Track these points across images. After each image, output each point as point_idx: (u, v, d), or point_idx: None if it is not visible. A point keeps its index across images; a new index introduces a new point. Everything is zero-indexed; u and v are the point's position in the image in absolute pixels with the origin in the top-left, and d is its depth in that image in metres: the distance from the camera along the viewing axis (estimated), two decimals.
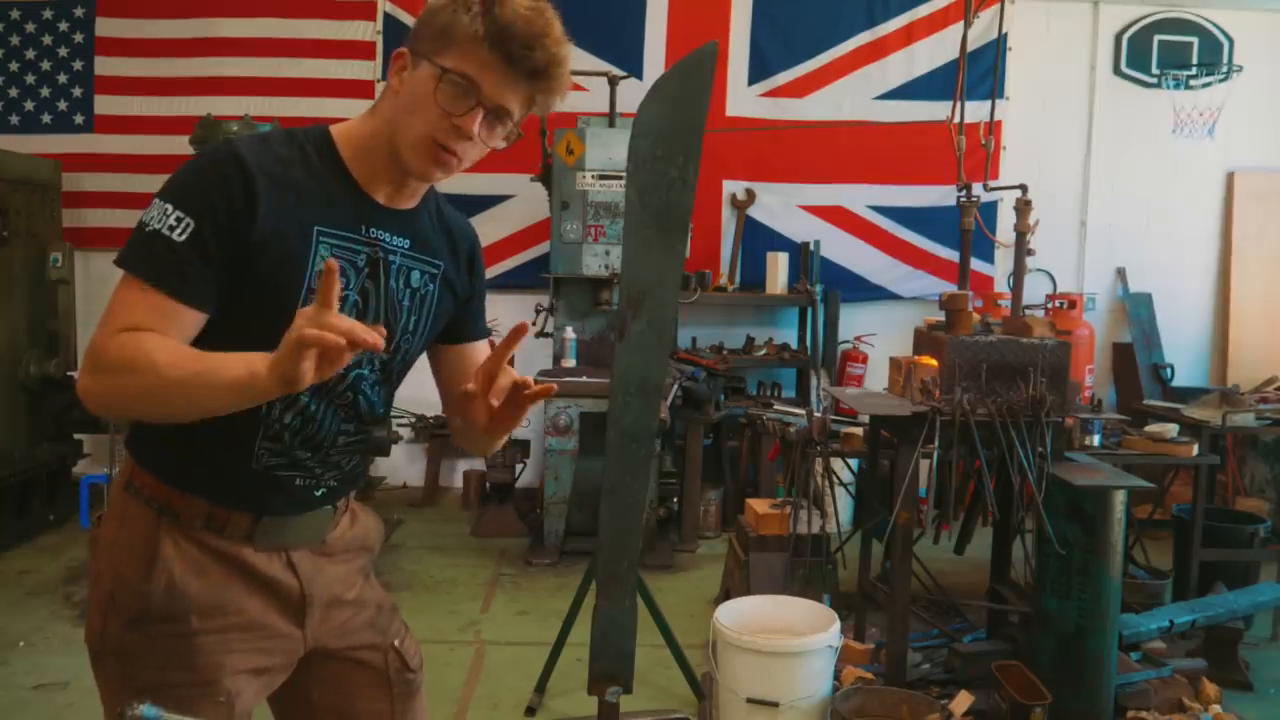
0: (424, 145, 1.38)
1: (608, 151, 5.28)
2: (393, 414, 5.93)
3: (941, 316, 3.77)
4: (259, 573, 1.48)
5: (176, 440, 1.42)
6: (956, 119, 5.81)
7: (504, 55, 1.35)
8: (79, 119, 6.21)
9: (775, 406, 5.22)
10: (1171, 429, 4.28)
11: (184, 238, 1.29)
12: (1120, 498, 3.20)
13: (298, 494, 1.50)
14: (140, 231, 1.31)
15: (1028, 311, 5.42)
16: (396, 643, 1.67)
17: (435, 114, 1.36)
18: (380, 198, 1.47)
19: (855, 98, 6.38)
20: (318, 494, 1.53)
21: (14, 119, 6.19)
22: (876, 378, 6.06)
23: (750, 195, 6.40)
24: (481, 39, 1.33)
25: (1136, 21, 6.49)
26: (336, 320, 1.17)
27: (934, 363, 3.52)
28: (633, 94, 5.39)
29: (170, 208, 1.30)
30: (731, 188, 6.41)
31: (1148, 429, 4.35)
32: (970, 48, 6.12)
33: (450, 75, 1.35)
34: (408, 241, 1.50)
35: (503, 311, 6.21)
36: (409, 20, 6.16)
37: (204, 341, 1.33)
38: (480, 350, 1.73)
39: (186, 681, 1.42)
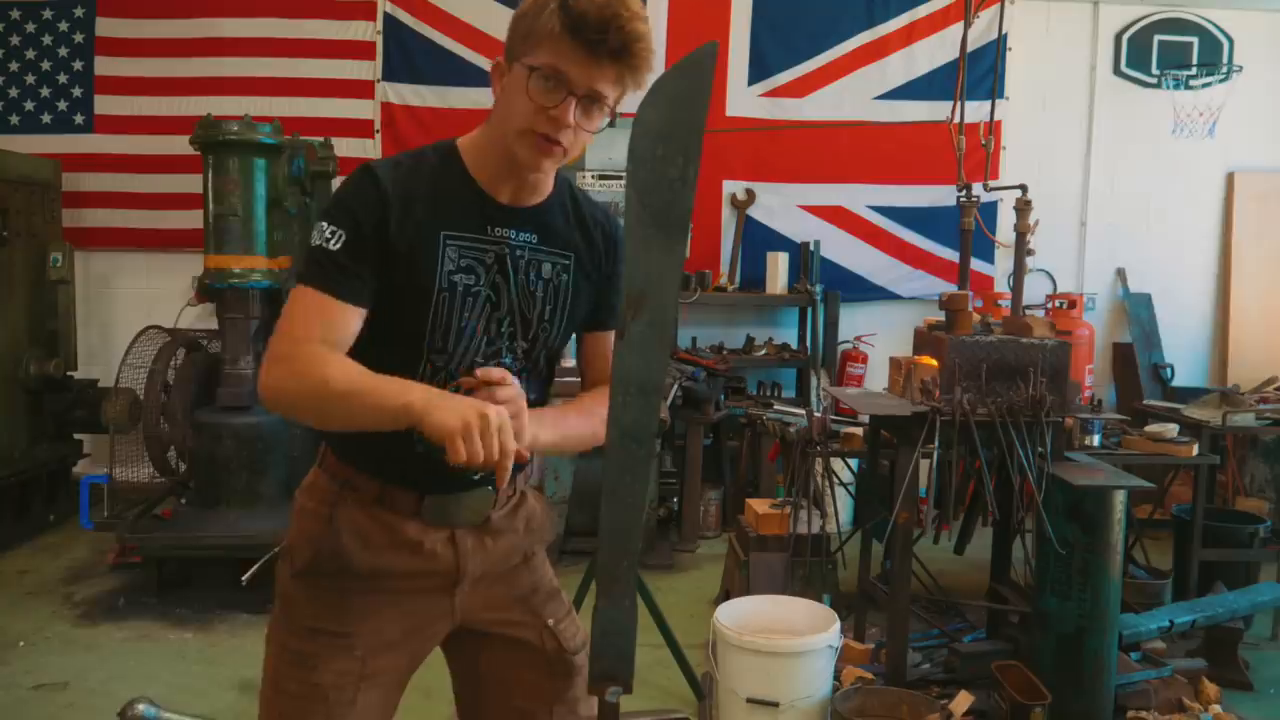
0: (527, 138, 1.49)
1: (608, 151, 5.28)
2: None
3: (941, 316, 3.76)
4: (421, 547, 1.62)
5: None
6: (956, 119, 5.81)
7: (583, 43, 1.44)
8: (79, 119, 6.20)
9: (775, 406, 5.22)
10: (1171, 429, 4.28)
11: (338, 247, 1.49)
12: (1120, 498, 3.20)
13: (456, 475, 1.57)
14: (309, 251, 1.52)
15: (1028, 311, 5.41)
16: (551, 622, 1.75)
17: (531, 108, 1.47)
18: (503, 198, 1.58)
19: (855, 98, 6.37)
20: (475, 476, 1.61)
21: (14, 119, 6.17)
22: (876, 378, 6.06)
23: (750, 195, 6.40)
24: (560, 33, 1.43)
25: (1136, 21, 6.49)
26: (499, 441, 1.36)
27: (934, 363, 3.52)
28: (633, 94, 5.40)
29: (325, 224, 1.51)
30: (731, 188, 6.40)
31: (1148, 429, 4.35)
32: (970, 48, 6.10)
33: (538, 71, 1.45)
34: (535, 236, 1.62)
35: None
36: (409, 20, 6.16)
37: (359, 338, 1.52)
38: (602, 339, 1.76)
39: (332, 630, 1.60)
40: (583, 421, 1.65)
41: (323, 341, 1.47)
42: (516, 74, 1.48)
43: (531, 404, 1.64)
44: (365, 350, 1.52)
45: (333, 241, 1.49)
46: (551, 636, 1.74)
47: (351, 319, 1.51)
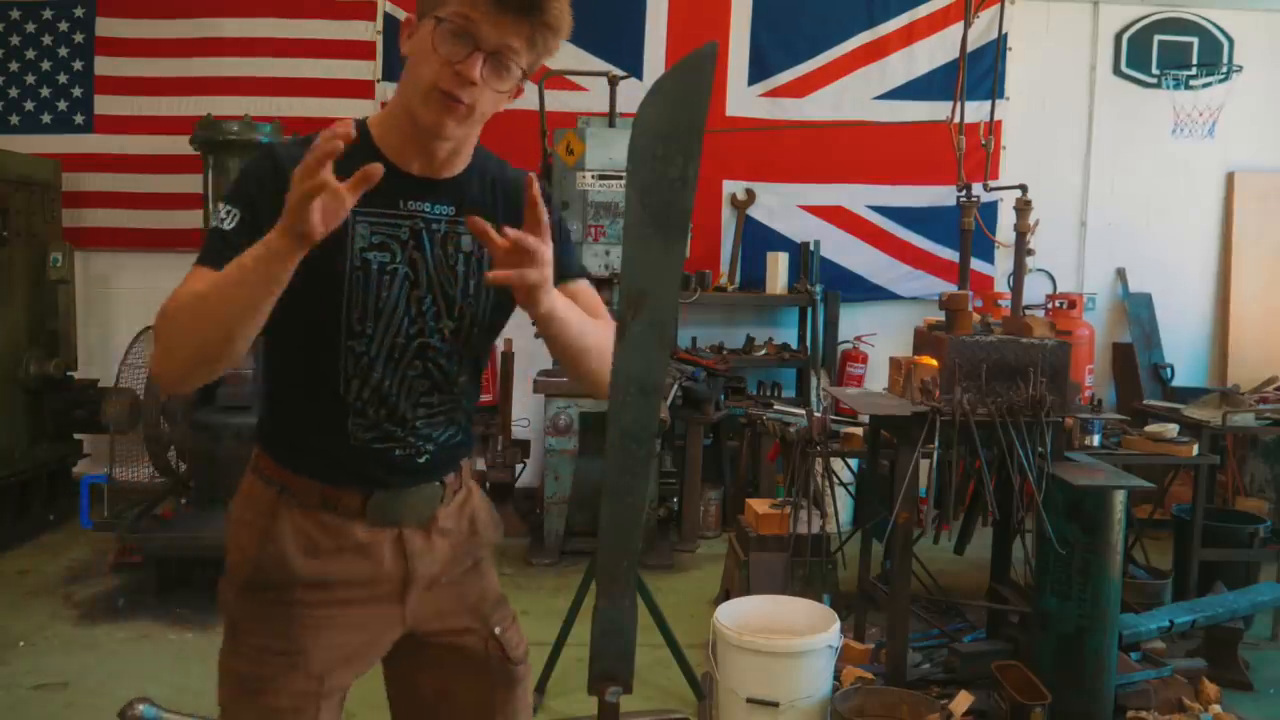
0: (431, 96, 1.41)
1: (608, 151, 5.27)
2: None
3: (941, 316, 3.77)
4: (368, 550, 1.55)
5: (285, 426, 1.58)
6: (956, 119, 5.81)
7: None
8: (79, 119, 6.20)
9: (775, 406, 5.21)
10: (1171, 429, 4.28)
11: (232, 225, 1.42)
12: (1120, 498, 3.20)
13: (400, 464, 1.56)
14: (206, 233, 1.47)
15: (1028, 311, 5.42)
16: (497, 630, 1.69)
17: (437, 63, 1.40)
18: (414, 170, 1.51)
19: (855, 98, 6.37)
20: (420, 461, 1.58)
21: (14, 119, 6.17)
22: (876, 378, 6.06)
23: (750, 195, 6.39)
24: None
25: (1136, 21, 6.49)
26: (318, 174, 1.26)
27: (934, 363, 3.52)
28: (633, 94, 5.39)
29: (222, 205, 1.45)
30: (731, 188, 6.40)
31: (1148, 429, 4.34)
32: (970, 48, 6.12)
33: (446, 21, 1.38)
34: (453, 208, 1.54)
35: None
36: None
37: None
38: (578, 291, 1.63)
39: (283, 649, 1.51)
40: (591, 325, 1.54)
41: None
42: (424, 28, 1.41)
43: (463, 386, 1.60)
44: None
45: (227, 221, 1.43)
46: (496, 644, 1.67)
47: None
